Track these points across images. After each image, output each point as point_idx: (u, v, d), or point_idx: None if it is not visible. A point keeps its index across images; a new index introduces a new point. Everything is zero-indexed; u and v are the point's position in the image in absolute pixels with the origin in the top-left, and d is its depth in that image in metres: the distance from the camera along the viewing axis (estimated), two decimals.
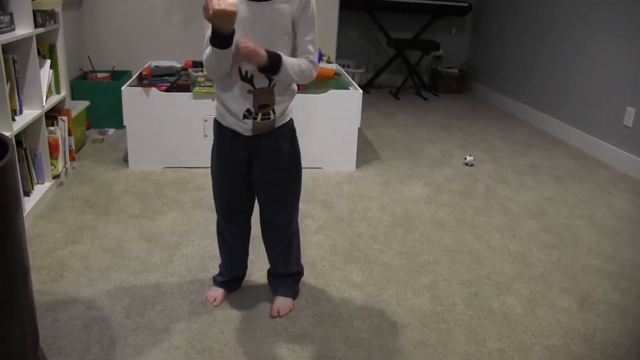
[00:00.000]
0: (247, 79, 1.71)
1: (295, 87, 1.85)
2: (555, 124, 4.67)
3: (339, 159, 3.50)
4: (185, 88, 3.33)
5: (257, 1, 1.65)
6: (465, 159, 3.77)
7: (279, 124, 1.81)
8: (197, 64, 3.60)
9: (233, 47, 1.61)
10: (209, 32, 1.63)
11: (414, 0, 5.79)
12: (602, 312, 2.17)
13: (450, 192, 3.30)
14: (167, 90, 3.32)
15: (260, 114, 1.75)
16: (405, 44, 5.85)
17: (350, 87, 3.56)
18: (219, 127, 1.84)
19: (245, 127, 1.77)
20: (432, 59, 6.34)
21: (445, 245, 2.63)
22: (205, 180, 3.20)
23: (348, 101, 3.39)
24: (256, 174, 1.88)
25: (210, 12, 1.51)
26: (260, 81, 1.72)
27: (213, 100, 3.12)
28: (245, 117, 1.75)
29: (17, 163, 1.33)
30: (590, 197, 3.36)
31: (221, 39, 1.58)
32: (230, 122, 1.79)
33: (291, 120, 1.88)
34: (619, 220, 3.04)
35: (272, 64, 1.65)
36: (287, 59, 1.68)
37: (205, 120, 3.28)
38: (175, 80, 3.48)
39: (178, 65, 3.83)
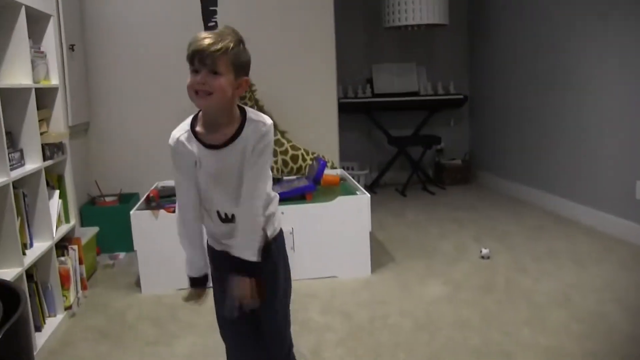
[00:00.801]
0: (227, 219, 1.71)
1: (274, 197, 1.78)
2: (566, 204, 4.64)
3: (353, 266, 3.45)
4: None
5: (213, 149, 1.63)
6: (481, 252, 3.71)
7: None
8: None
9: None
10: (178, 178, 1.69)
11: (410, 98, 5.95)
12: None
13: (471, 288, 3.22)
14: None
15: None
16: (406, 141, 5.94)
17: (357, 192, 3.57)
18: (211, 249, 1.83)
19: (229, 250, 1.71)
20: (434, 153, 6.42)
21: (473, 347, 2.53)
22: None
23: (357, 206, 3.39)
24: None
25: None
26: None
27: None
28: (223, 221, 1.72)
29: (30, 316, 1.29)
30: (615, 278, 3.26)
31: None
32: (216, 245, 1.79)
33: (278, 233, 1.81)
34: None
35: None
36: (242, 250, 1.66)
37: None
38: None
39: None
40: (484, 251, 3.70)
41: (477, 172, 6.31)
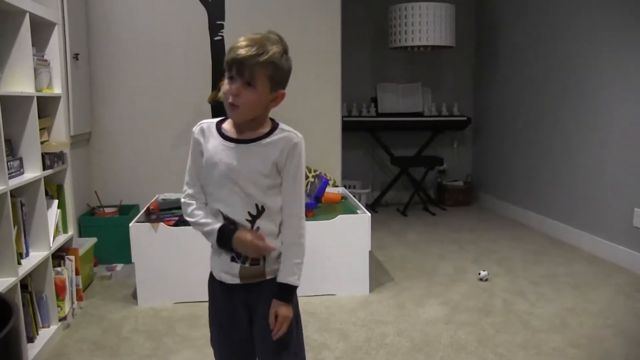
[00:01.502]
0: (232, 223, 1.59)
1: None
2: (566, 230, 4.63)
3: (351, 284, 3.43)
4: None
5: (236, 143, 1.56)
6: (480, 274, 3.70)
7: (270, 275, 1.62)
8: None
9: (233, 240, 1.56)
10: (190, 164, 1.64)
11: (414, 118, 5.96)
12: None
13: (468, 310, 3.20)
14: (175, 224, 3.33)
15: (249, 259, 1.59)
16: (409, 161, 5.95)
17: (358, 211, 3.57)
18: (212, 279, 1.69)
19: (233, 273, 1.60)
20: (436, 174, 6.41)
21: None
22: None
23: (357, 225, 3.39)
24: (254, 330, 1.67)
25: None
26: (243, 225, 1.58)
27: None
28: (233, 260, 1.60)
29: (22, 328, 1.28)
30: (612, 305, 3.25)
31: (228, 247, 1.57)
32: (218, 271, 1.64)
33: None
34: None
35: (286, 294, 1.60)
36: (286, 274, 1.60)
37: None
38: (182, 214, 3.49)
39: None
40: (483, 273, 3.69)
41: (478, 194, 6.30)
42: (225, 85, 1.49)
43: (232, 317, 1.66)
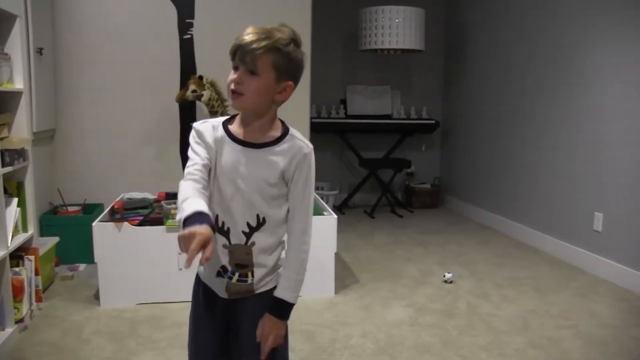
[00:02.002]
0: (223, 231, 1.48)
1: (283, 254, 1.57)
2: (529, 233, 4.70)
3: (317, 286, 3.42)
4: (158, 221, 3.30)
5: (245, 146, 1.45)
6: (444, 276, 3.73)
7: (259, 289, 1.53)
8: (170, 196, 3.59)
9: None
10: (190, 153, 1.46)
11: (383, 121, 6.00)
12: None
13: (433, 312, 3.22)
14: (140, 224, 3.29)
15: (237, 274, 1.50)
16: (377, 163, 5.97)
17: (325, 213, 3.56)
18: (197, 280, 1.61)
19: (218, 288, 1.52)
20: (404, 176, 6.45)
21: None
22: (181, 316, 3.09)
23: (323, 227, 3.37)
24: (230, 339, 1.58)
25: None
26: (237, 237, 1.48)
27: None
28: (219, 274, 1.51)
29: None
30: (572, 306, 3.31)
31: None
32: (205, 277, 1.56)
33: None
34: (604, 328, 2.99)
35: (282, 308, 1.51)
36: (287, 292, 1.51)
37: (180, 254, 3.20)
38: (147, 214, 3.44)
39: (151, 197, 3.81)
40: (448, 275, 3.72)
41: (445, 197, 6.36)
42: (231, 74, 1.41)
43: (211, 322, 1.57)
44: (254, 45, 1.35)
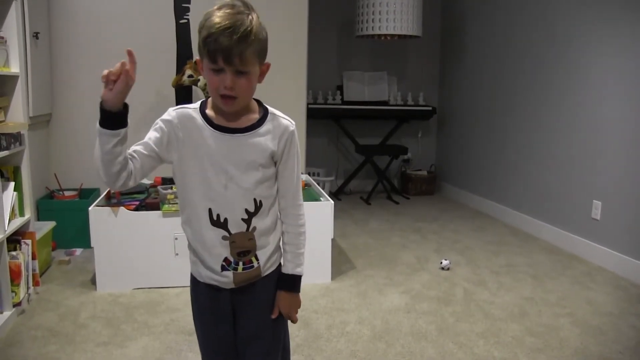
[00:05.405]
0: (219, 223, 1.43)
1: (280, 227, 1.57)
2: (526, 220, 4.71)
3: (313, 272, 3.41)
4: (155, 206, 3.29)
5: (229, 133, 1.42)
6: (441, 263, 3.74)
7: (266, 272, 1.52)
8: (167, 181, 3.57)
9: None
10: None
11: (379, 107, 5.98)
12: None
13: (429, 299, 3.23)
14: (136, 209, 3.28)
15: (241, 263, 1.46)
16: (374, 150, 5.96)
17: (321, 198, 3.56)
18: (195, 283, 1.55)
19: (224, 281, 1.47)
20: (400, 163, 6.45)
21: (428, 357, 2.53)
22: (177, 301, 3.09)
23: (320, 213, 3.37)
24: (237, 329, 1.55)
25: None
26: (236, 225, 1.44)
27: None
28: (224, 268, 1.46)
29: None
30: (569, 294, 3.32)
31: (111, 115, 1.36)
32: (205, 277, 1.49)
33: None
34: (602, 316, 3.00)
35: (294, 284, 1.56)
36: (294, 266, 1.56)
37: (176, 239, 3.21)
38: (144, 199, 3.43)
39: (148, 181, 3.80)
40: (444, 262, 3.73)
41: (441, 184, 6.37)
42: (212, 79, 1.34)
43: (217, 317, 1.54)
44: (240, 47, 1.29)
